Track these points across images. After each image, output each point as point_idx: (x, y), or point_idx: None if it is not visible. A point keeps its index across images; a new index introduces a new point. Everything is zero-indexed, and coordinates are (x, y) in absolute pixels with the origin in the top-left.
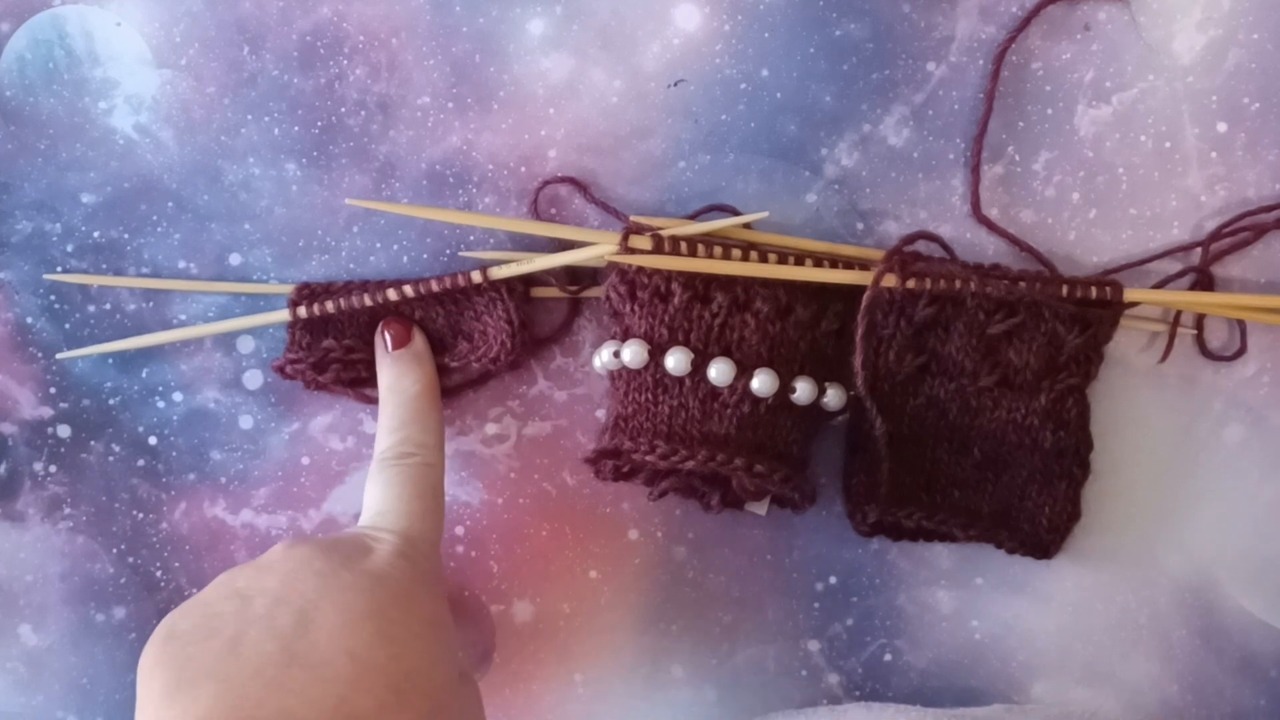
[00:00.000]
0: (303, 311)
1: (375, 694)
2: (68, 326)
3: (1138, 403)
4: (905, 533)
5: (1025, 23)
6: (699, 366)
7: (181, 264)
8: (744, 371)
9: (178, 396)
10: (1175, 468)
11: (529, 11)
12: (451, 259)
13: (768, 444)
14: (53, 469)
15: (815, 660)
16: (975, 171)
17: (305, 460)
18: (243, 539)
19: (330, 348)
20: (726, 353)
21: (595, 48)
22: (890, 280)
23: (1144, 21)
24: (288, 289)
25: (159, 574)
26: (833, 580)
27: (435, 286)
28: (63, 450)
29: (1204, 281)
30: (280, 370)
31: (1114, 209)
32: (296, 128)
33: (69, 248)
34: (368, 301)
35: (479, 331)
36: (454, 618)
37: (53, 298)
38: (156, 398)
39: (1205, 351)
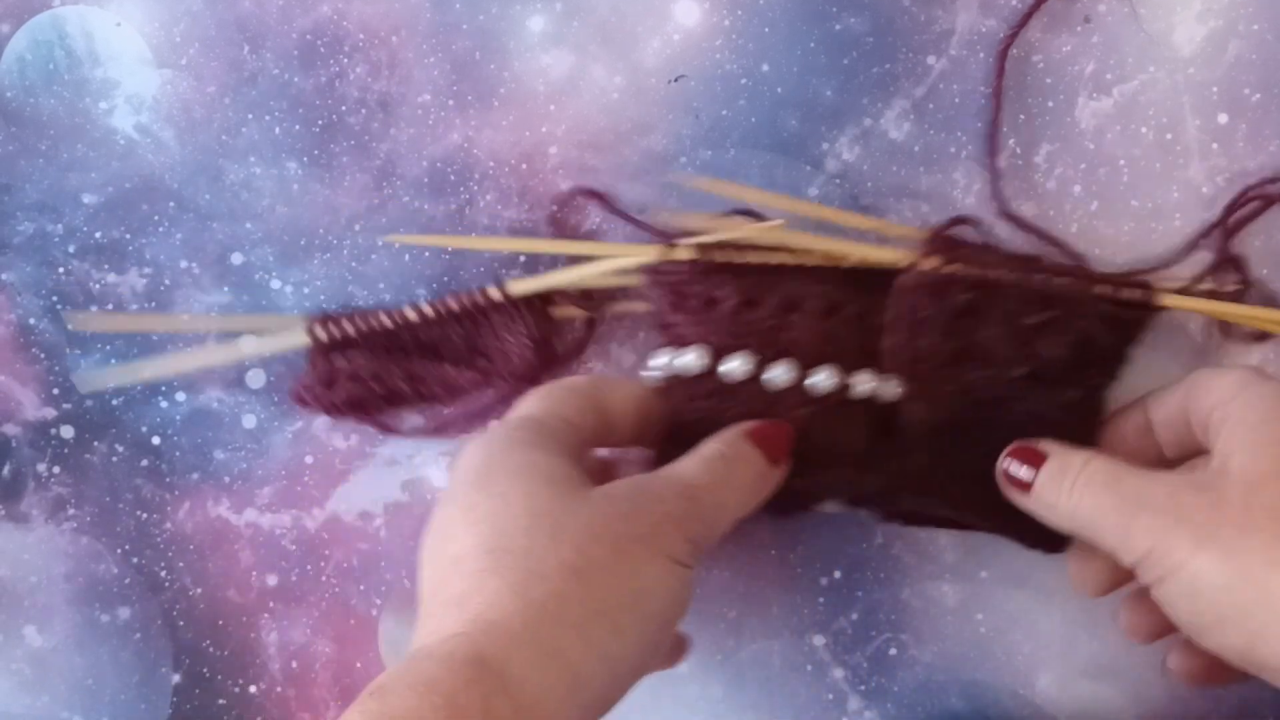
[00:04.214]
0: (320, 333)
1: None
2: (70, 327)
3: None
4: (920, 519)
5: (1026, 18)
6: (755, 371)
7: (183, 264)
8: (801, 372)
9: (180, 396)
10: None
11: (529, 8)
12: (454, 256)
13: (834, 443)
14: (56, 470)
15: (820, 655)
16: (993, 170)
17: (309, 459)
18: (247, 538)
19: (341, 366)
20: (782, 355)
21: (595, 44)
22: (931, 263)
23: (1144, 13)
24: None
25: (163, 574)
26: (837, 575)
27: (454, 305)
28: (66, 451)
29: (1231, 264)
30: (299, 399)
31: (1115, 201)
32: (297, 126)
33: (71, 248)
34: (386, 322)
35: (498, 349)
36: None
37: (55, 299)
38: (159, 397)
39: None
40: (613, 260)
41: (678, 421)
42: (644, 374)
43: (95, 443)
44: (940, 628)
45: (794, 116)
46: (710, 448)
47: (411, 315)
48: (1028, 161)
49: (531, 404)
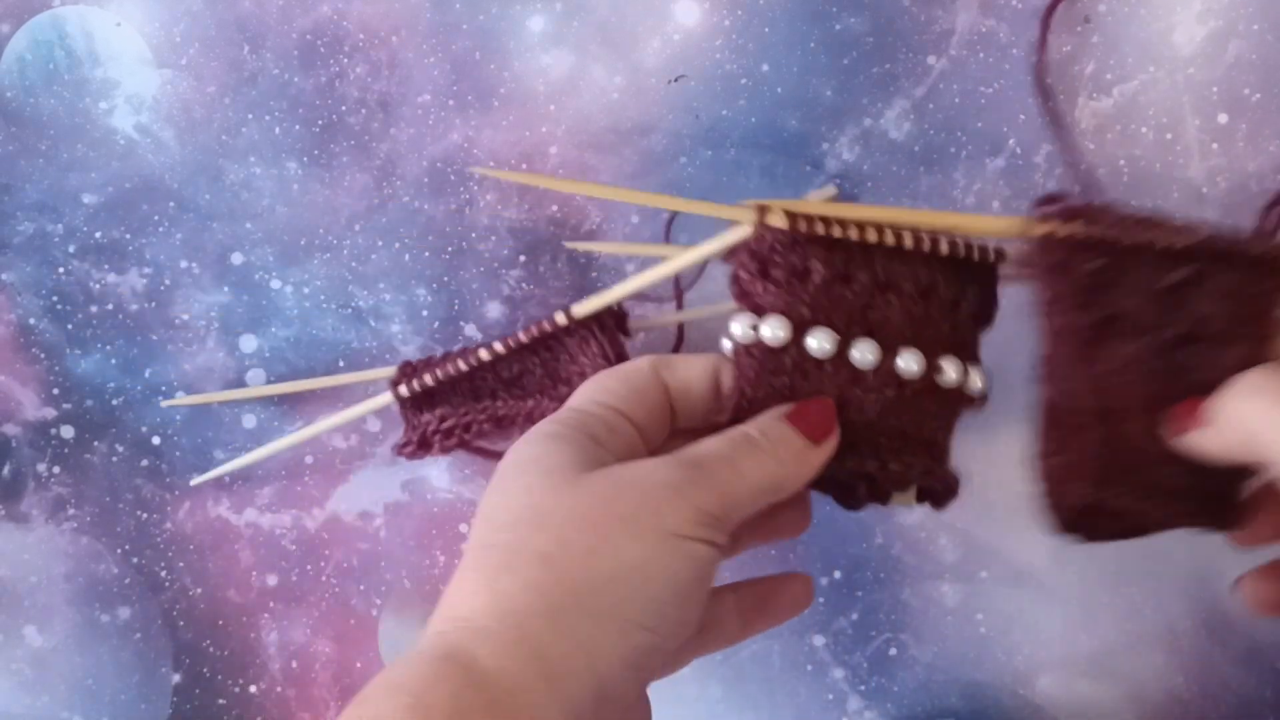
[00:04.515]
0: (404, 390)
1: None
2: (70, 327)
3: None
4: (1103, 529)
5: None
6: (841, 348)
7: (184, 263)
8: (889, 353)
9: (181, 396)
10: None
11: (529, 8)
12: (454, 255)
13: (912, 430)
14: (56, 470)
15: (820, 655)
16: (1052, 115)
17: (309, 459)
18: (247, 538)
19: (428, 422)
20: (869, 334)
21: (595, 44)
22: (1050, 228)
23: (1144, 14)
24: (389, 373)
25: (163, 574)
26: (837, 575)
27: (524, 337)
28: (66, 451)
29: None
30: (405, 454)
31: (1115, 201)
32: (297, 126)
33: (71, 248)
34: (463, 366)
35: (577, 374)
36: None
37: (55, 299)
38: (160, 398)
39: None
40: (693, 252)
41: (749, 398)
42: (722, 342)
43: (95, 443)
44: (940, 628)
45: (794, 116)
46: (736, 430)
47: (485, 356)
48: (1028, 161)
49: (576, 395)
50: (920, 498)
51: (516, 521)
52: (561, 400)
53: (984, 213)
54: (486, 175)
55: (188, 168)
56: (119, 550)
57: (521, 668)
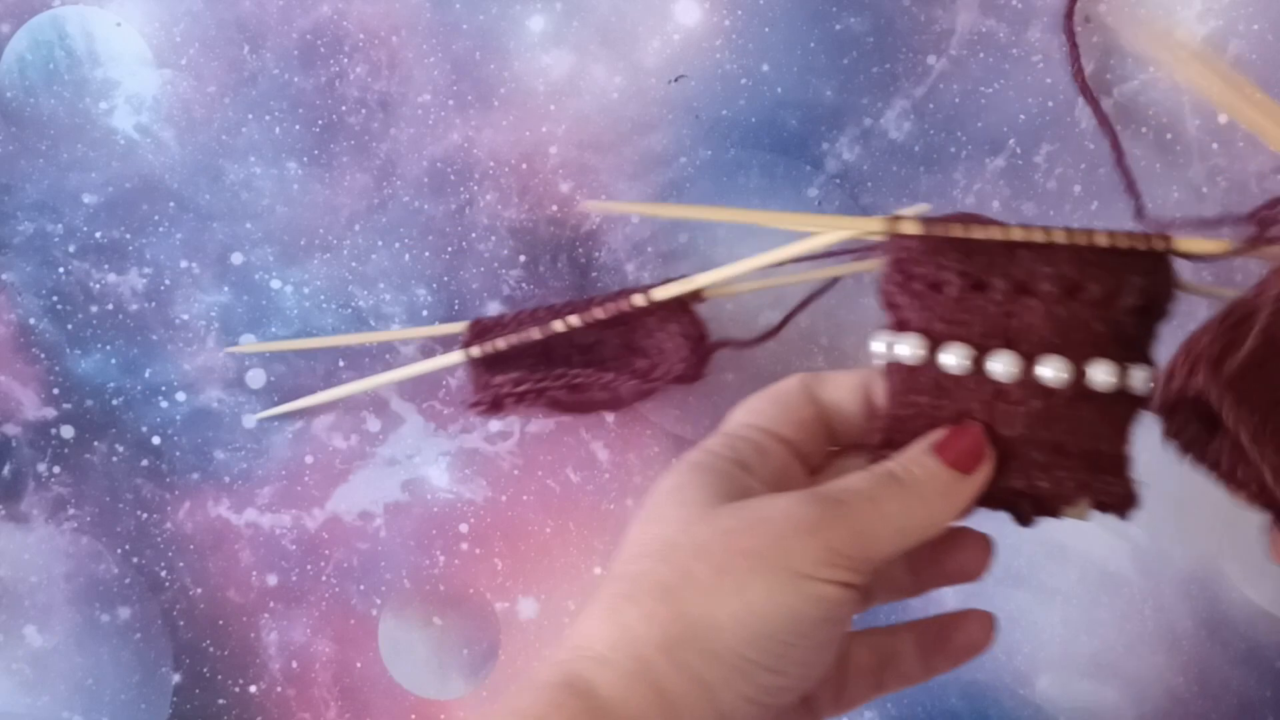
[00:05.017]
0: (475, 352)
1: None
2: (70, 327)
3: None
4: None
5: None
6: (979, 362)
7: (184, 263)
8: (1030, 362)
9: (181, 396)
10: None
11: (529, 8)
12: (454, 255)
13: (1068, 441)
14: (56, 470)
15: None
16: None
17: (309, 459)
18: (247, 538)
19: (500, 384)
20: (1010, 344)
21: (595, 44)
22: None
23: (1144, 14)
24: (459, 328)
25: (163, 574)
26: None
27: (601, 314)
28: (66, 451)
29: None
30: (477, 412)
31: (1116, 201)
32: (297, 126)
33: (71, 248)
34: (537, 335)
35: (655, 348)
36: (457, 616)
37: (55, 298)
38: (159, 397)
39: None
40: (825, 235)
41: (895, 416)
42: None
43: (95, 443)
44: None
45: (794, 116)
46: (880, 466)
47: (560, 328)
48: (1028, 161)
49: (729, 418)
50: (1099, 509)
51: (646, 553)
52: (638, 373)
53: (984, 212)
54: (599, 209)
55: (188, 168)
56: (119, 550)
57: (639, 700)
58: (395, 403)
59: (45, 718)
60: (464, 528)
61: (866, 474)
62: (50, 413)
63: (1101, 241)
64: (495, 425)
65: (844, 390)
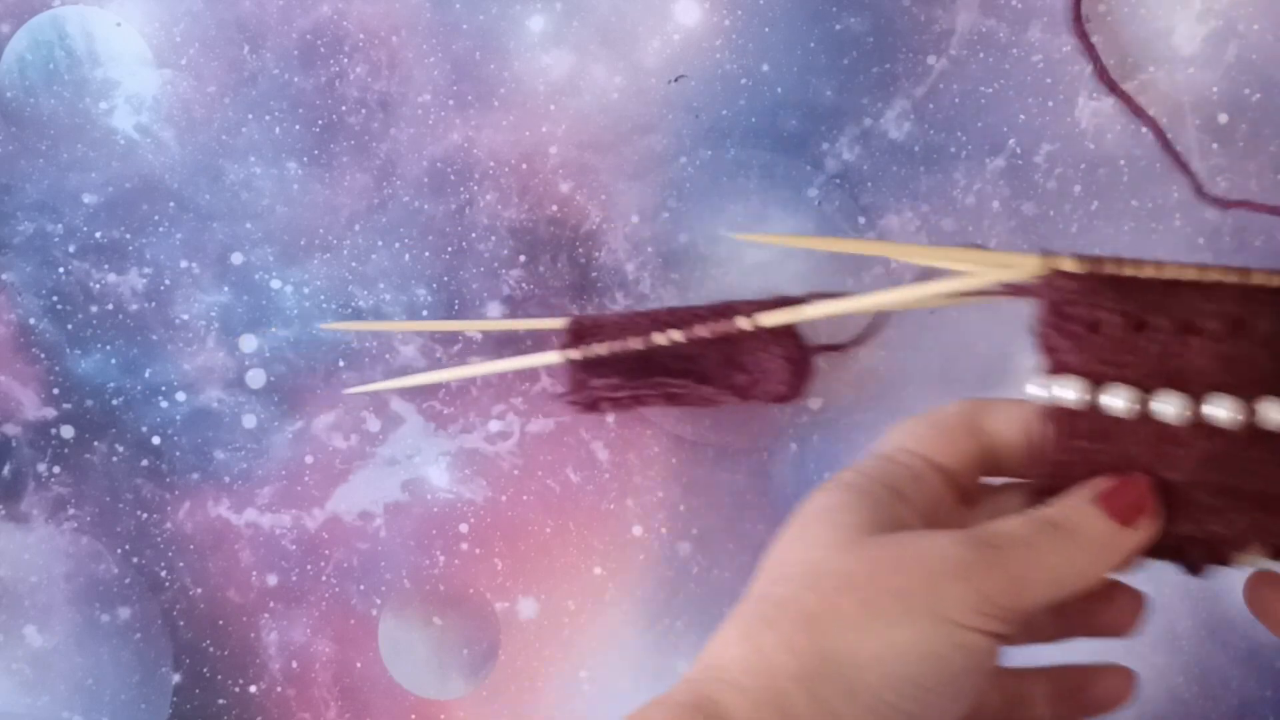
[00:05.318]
0: (574, 354)
1: None
2: (70, 327)
3: None
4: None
5: None
6: (1143, 404)
7: (184, 263)
8: (1196, 402)
9: (181, 396)
10: None
11: (529, 8)
12: (454, 256)
13: (1241, 483)
14: (56, 470)
15: None
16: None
17: (309, 459)
18: (247, 538)
19: (597, 387)
20: (1173, 384)
21: (595, 44)
22: None
23: (1144, 14)
24: (559, 323)
25: (163, 574)
26: None
27: (704, 333)
28: (66, 451)
29: None
30: (571, 410)
31: (1115, 201)
32: (297, 126)
33: (71, 248)
34: (636, 346)
35: (756, 366)
36: (457, 616)
37: (55, 299)
38: (159, 397)
39: None
40: (965, 278)
41: (1055, 462)
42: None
43: (95, 443)
44: None
45: (794, 116)
46: (1040, 510)
47: (661, 341)
48: (1028, 161)
49: (886, 439)
50: (1276, 555)
51: (791, 576)
52: (737, 390)
53: (983, 212)
54: (746, 239)
55: (188, 168)
56: (119, 550)
57: None
58: (395, 403)
59: (45, 718)
60: (464, 528)
61: (1025, 519)
62: (50, 413)
63: (1262, 281)
64: (495, 425)
65: (1010, 422)
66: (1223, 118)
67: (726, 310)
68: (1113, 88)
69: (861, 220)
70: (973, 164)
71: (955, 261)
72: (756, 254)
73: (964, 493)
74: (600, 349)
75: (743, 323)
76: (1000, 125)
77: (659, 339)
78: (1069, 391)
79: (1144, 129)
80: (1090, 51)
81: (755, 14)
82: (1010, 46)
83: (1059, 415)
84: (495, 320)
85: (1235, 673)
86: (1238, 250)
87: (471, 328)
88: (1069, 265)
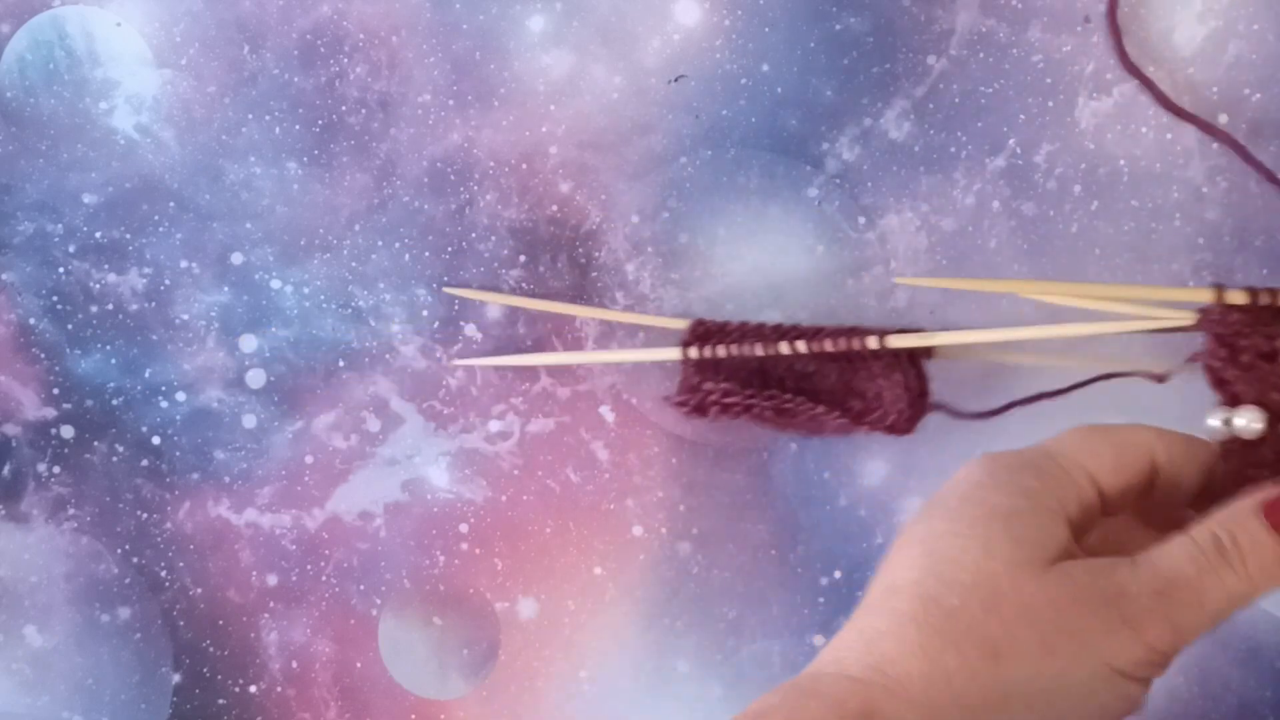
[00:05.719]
0: (693, 353)
1: None
2: (70, 327)
3: (1144, 393)
4: None
5: None
6: None
7: (184, 264)
8: None
9: (180, 396)
10: None
11: (529, 8)
12: (454, 256)
13: None
14: (56, 470)
15: None
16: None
17: (309, 459)
18: (247, 538)
19: (709, 391)
20: None
21: (595, 44)
22: None
23: (1144, 13)
24: (680, 323)
25: (163, 574)
26: (838, 575)
27: (830, 347)
28: (66, 451)
29: None
30: (681, 411)
31: (1116, 201)
32: (297, 126)
33: (71, 248)
34: (759, 352)
35: (873, 393)
36: (457, 616)
37: (55, 298)
38: (159, 398)
39: None
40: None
41: (1234, 495)
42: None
43: (95, 443)
44: None
45: (794, 116)
46: (1204, 531)
47: (785, 350)
48: (1028, 161)
49: (1057, 439)
50: None
51: (965, 585)
52: (851, 415)
53: (983, 212)
54: (906, 283)
55: (188, 168)
56: (119, 550)
57: None
58: (395, 403)
59: (45, 718)
60: (464, 528)
61: (1189, 548)
62: (50, 413)
63: None
64: (495, 425)
65: (1190, 461)
66: (1223, 118)
67: (853, 332)
68: (1180, 114)
69: (862, 220)
70: (973, 164)
71: (1117, 303)
72: (756, 254)
73: (1112, 514)
74: (721, 351)
75: (871, 342)
76: (1000, 125)
77: (783, 348)
78: (1249, 421)
79: (1144, 129)
80: (1147, 84)
81: (755, 14)
82: (1010, 46)
83: (1239, 447)
84: (618, 311)
85: (1235, 673)
86: (1238, 250)
87: (595, 315)
88: (1238, 298)
